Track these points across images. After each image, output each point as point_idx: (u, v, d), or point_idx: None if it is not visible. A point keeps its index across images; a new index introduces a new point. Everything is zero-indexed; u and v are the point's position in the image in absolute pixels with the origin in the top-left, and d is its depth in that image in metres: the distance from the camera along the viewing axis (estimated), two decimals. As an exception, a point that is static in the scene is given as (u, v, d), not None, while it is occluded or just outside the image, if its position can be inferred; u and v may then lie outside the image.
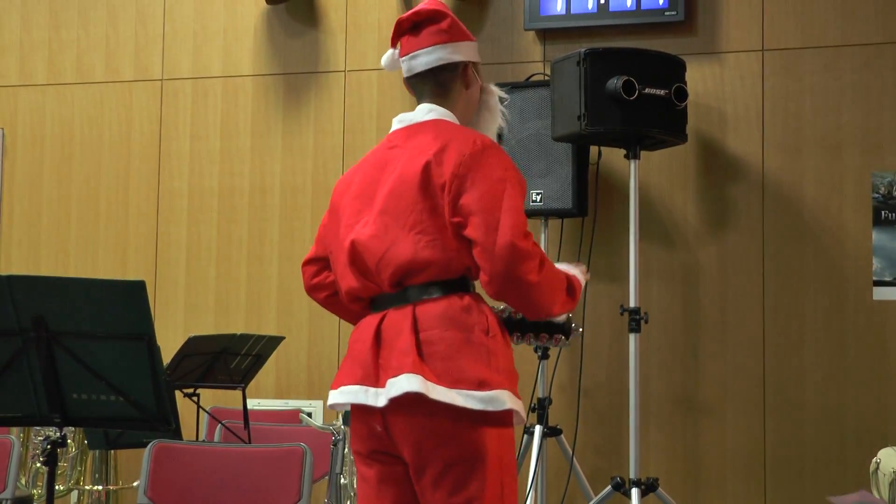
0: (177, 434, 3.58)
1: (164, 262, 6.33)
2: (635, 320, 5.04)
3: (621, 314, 5.15)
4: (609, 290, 5.62)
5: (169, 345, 4.92)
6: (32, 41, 6.65)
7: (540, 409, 5.29)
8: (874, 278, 5.39)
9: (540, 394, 5.35)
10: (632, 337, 5.05)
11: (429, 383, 2.75)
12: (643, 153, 5.29)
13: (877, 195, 5.39)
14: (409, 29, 3.11)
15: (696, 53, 5.64)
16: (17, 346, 2.98)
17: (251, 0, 6.31)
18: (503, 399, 2.83)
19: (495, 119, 3.19)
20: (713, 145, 5.65)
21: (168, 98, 6.44)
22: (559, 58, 5.26)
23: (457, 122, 3.06)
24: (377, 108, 6.07)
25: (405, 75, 3.14)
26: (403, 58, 3.11)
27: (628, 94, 4.94)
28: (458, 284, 2.89)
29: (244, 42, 6.37)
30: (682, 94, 5.09)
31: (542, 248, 5.50)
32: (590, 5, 5.74)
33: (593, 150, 5.56)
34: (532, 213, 5.23)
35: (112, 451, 5.46)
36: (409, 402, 2.76)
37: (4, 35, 6.68)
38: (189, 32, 6.46)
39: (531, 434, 5.20)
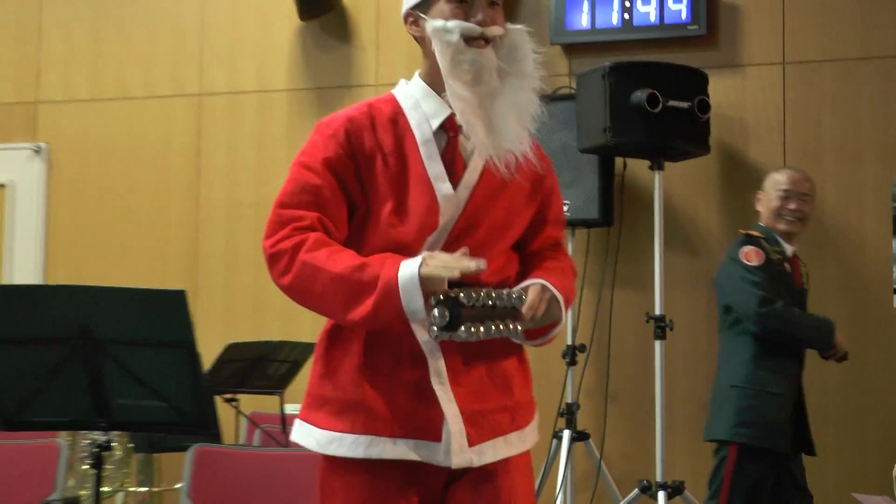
0: (217, 438, 3.58)
1: (203, 271, 6.35)
2: (660, 328, 5.04)
3: (647, 322, 5.15)
4: (635, 298, 5.62)
5: (208, 351, 4.90)
6: (75, 58, 6.70)
7: (568, 414, 5.27)
8: (894, 286, 5.37)
9: (568, 399, 5.34)
10: (657, 344, 5.04)
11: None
12: (667, 164, 5.29)
13: (896, 204, 5.38)
14: None
15: (719, 66, 5.62)
16: (64, 353, 2.97)
17: (285, 16, 6.32)
18: (296, 433, 2.50)
19: (445, 60, 2.44)
20: (735, 156, 5.64)
21: (205, 112, 6.47)
22: (584, 71, 5.26)
23: (408, 87, 2.57)
24: (408, 120, 6.09)
25: None
26: None
27: (652, 106, 4.93)
28: None
29: (278, 57, 6.39)
30: (705, 107, 5.08)
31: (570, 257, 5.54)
32: (614, 20, 5.74)
33: (618, 161, 5.56)
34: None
35: (155, 454, 5.48)
36: None
37: (49, 52, 6.74)
38: (225, 48, 6.48)
39: (560, 438, 5.19)
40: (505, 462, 2.48)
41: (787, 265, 4.66)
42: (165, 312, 2.95)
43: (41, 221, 6.63)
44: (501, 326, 2.35)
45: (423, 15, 2.51)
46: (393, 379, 2.41)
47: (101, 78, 6.65)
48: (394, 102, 2.53)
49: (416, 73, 2.58)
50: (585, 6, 5.77)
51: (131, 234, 6.50)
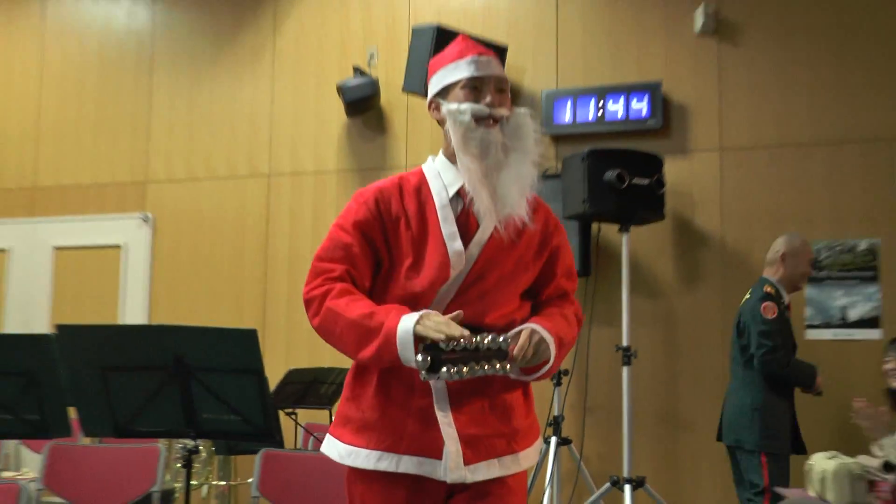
0: (280, 444, 3.52)
1: (270, 312, 6.31)
2: (627, 356, 5.03)
3: (616, 351, 5.16)
4: (607, 333, 5.58)
5: (274, 375, 4.84)
6: (175, 148, 6.71)
7: (555, 424, 5.24)
8: (806, 322, 5.35)
9: (555, 412, 5.33)
10: (625, 369, 5.01)
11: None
12: (632, 228, 5.31)
13: (808, 259, 5.38)
14: None
15: (671, 152, 5.62)
16: (163, 378, 2.96)
17: (335, 113, 6.34)
18: (325, 445, 2.40)
19: (457, 136, 2.34)
20: (685, 222, 5.63)
21: (273, 189, 6.44)
22: (568, 156, 5.28)
23: (433, 162, 2.46)
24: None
25: None
26: None
27: (621, 183, 4.96)
28: None
29: (330, 145, 6.37)
30: (661, 183, 5.10)
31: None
32: (590, 116, 5.74)
33: (594, 225, 5.57)
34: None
35: (232, 456, 5.46)
36: None
37: (155, 143, 6.75)
38: (289, 139, 6.46)
39: (548, 444, 5.15)
40: (501, 482, 2.33)
41: (787, 312, 4.73)
42: (241, 346, 2.92)
43: (147, 275, 6.62)
44: (487, 366, 2.21)
45: (442, 101, 2.39)
46: (404, 405, 2.30)
47: (194, 162, 6.66)
48: (420, 174, 2.43)
49: (441, 150, 2.46)
50: (569, 105, 5.78)
51: (215, 283, 6.49)
